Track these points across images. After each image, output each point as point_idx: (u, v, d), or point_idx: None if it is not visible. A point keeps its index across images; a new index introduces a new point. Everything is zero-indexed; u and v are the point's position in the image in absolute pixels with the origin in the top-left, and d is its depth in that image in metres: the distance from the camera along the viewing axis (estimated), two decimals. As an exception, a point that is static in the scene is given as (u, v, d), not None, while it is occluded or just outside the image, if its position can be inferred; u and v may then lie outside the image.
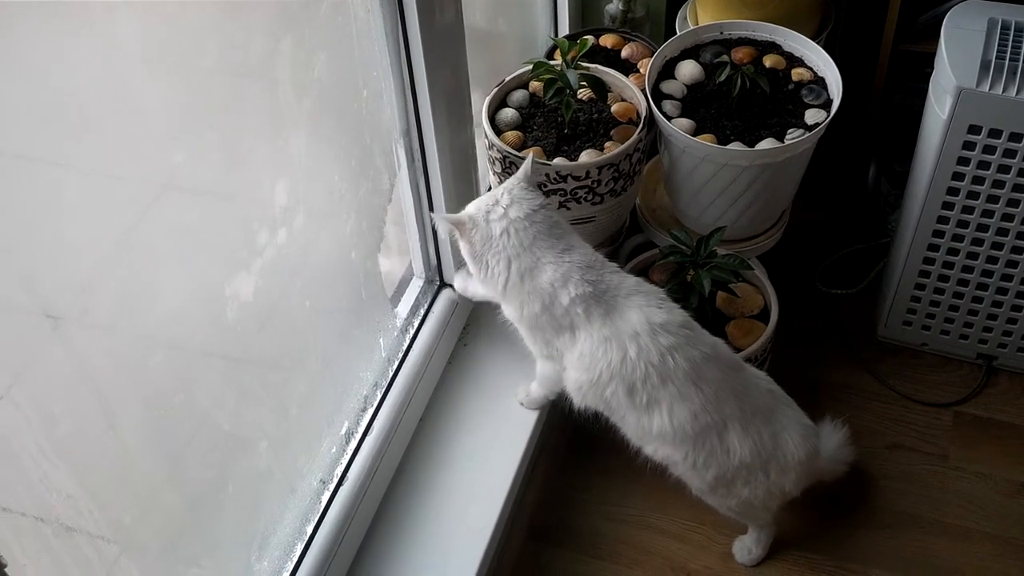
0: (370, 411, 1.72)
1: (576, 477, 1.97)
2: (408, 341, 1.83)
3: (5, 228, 0.97)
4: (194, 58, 1.20)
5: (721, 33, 2.00)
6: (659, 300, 1.56)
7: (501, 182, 1.86)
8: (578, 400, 1.62)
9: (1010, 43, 1.74)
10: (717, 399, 1.54)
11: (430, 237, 1.85)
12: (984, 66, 1.72)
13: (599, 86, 1.89)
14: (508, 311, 1.61)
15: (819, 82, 1.91)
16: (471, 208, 1.57)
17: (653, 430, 1.56)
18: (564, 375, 1.61)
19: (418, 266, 1.89)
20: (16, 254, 0.99)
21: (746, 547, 1.83)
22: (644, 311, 1.53)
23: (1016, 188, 1.79)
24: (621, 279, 1.57)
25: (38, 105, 0.99)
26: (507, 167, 1.81)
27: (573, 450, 2.01)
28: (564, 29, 2.20)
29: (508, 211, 1.54)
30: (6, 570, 0.94)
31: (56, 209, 1.03)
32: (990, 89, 1.70)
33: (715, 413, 1.54)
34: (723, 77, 1.87)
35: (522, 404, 1.85)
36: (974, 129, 1.76)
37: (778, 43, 1.98)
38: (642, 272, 1.92)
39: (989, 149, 1.77)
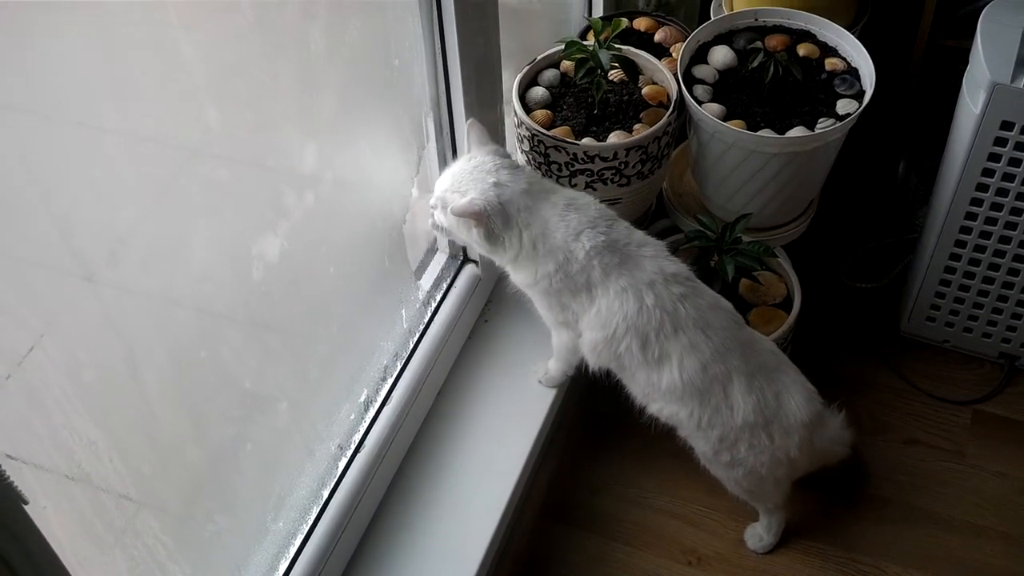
0: (389, 381, 1.73)
1: (591, 457, 1.98)
2: (430, 314, 1.84)
3: (41, 184, 0.99)
4: (229, 19, 1.21)
5: (756, 20, 2.00)
6: (666, 252, 1.60)
7: (529, 161, 1.87)
8: (592, 360, 1.63)
9: (1047, 40, 1.72)
10: (725, 348, 1.55)
11: (456, 212, 1.85)
12: (1020, 62, 1.71)
13: (631, 67, 1.89)
14: (519, 278, 1.61)
15: (852, 72, 1.90)
16: (475, 194, 1.51)
17: (662, 385, 1.57)
18: (580, 340, 1.62)
19: (442, 240, 1.89)
20: (52, 208, 1.01)
21: (758, 534, 1.83)
22: (657, 261, 1.56)
23: (1047, 186, 1.78)
24: (629, 230, 1.59)
25: (76, 69, 1.00)
26: (535, 146, 1.82)
27: (589, 430, 2.02)
28: (599, 10, 2.19)
29: (512, 185, 1.53)
30: (27, 509, 0.96)
31: (92, 167, 1.05)
32: (1025, 85, 1.69)
33: (722, 363, 1.55)
34: (756, 64, 1.86)
35: (540, 382, 1.86)
36: (1007, 125, 1.74)
37: (813, 32, 1.97)
38: (666, 256, 1.92)
39: (1021, 146, 1.75)
